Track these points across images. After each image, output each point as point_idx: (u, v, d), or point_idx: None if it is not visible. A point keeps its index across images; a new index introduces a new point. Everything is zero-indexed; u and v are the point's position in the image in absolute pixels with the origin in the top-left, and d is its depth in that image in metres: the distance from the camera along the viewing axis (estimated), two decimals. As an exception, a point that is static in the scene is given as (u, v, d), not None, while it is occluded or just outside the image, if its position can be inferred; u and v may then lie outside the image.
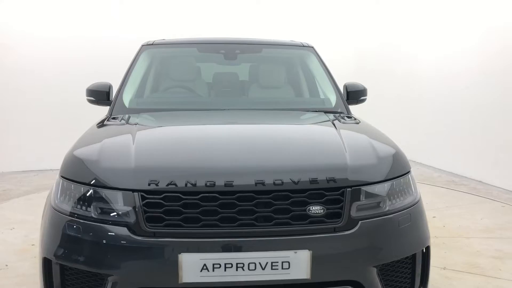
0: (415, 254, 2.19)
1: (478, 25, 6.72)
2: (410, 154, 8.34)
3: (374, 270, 2.03)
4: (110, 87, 3.43)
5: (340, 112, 3.28)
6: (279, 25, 8.52)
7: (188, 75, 3.75)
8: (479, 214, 5.03)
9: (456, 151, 7.25)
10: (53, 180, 2.30)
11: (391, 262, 2.10)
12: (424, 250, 2.25)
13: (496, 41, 6.31)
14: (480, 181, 6.65)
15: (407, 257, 2.17)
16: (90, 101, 3.47)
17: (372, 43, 9.15)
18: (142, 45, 3.81)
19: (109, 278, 1.93)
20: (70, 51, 7.56)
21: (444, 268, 3.62)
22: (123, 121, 2.84)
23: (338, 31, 9.11)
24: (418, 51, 8.15)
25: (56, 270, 2.05)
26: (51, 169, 7.30)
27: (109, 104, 3.35)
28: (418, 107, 8.19)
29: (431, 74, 7.79)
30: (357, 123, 2.93)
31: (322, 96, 3.64)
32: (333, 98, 3.46)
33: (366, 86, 3.72)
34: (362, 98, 3.64)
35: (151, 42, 3.85)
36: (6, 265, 3.65)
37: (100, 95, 3.39)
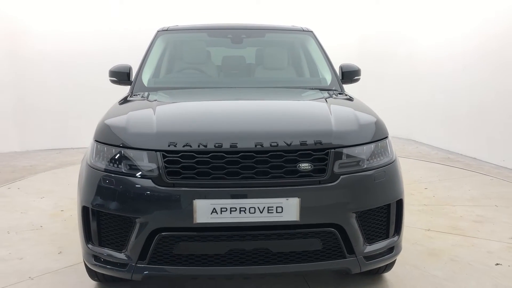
0: (389, 205, 2.61)
1: (476, 9, 7.02)
2: (410, 133, 8.74)
3: (353, 216, 2.45)
4: (130, 68, 3.86)
5: (334, 90, 3.69)
6: (286, 14, 8.94)
7: (199, 57, 4.19)
8: (468, 186, 5.41)
9: (452, 130, 7.62)
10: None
11: (368, 210, 2.51)
12: (398, 204, 2.67)
13: (494, 26, 6.61)
14: (474, 158, 7.01)
15: (382, 207, 2.58)
16: (112, 81, 3.91)
17: (375, 29, 9.49)
18: (158, 31, 4.24)
19: (137, 220, 2.38)
20: (89, 41, 8.08)
21: (428, 230, 4.04)
22: (143, 98, 3.29)
23: (342, 19, 9.55)
24: (418, 36, 8.47)
25: (93, 215, 2.51)
26: (71, 148, 7.81)
27: (129, 84, 3.79)
28: (417, 89, 8.54)
29: (431, 57, 8.12)
30: (347, 99, 3.35)
31: (319, 76, 4.05)
32: (328, 78, 3.87)
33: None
34: (356, 78, 4.03)
35: (166, 28, 4.28)
36: (41, 226, 4.16)
37: (121, 75, 3.83)
